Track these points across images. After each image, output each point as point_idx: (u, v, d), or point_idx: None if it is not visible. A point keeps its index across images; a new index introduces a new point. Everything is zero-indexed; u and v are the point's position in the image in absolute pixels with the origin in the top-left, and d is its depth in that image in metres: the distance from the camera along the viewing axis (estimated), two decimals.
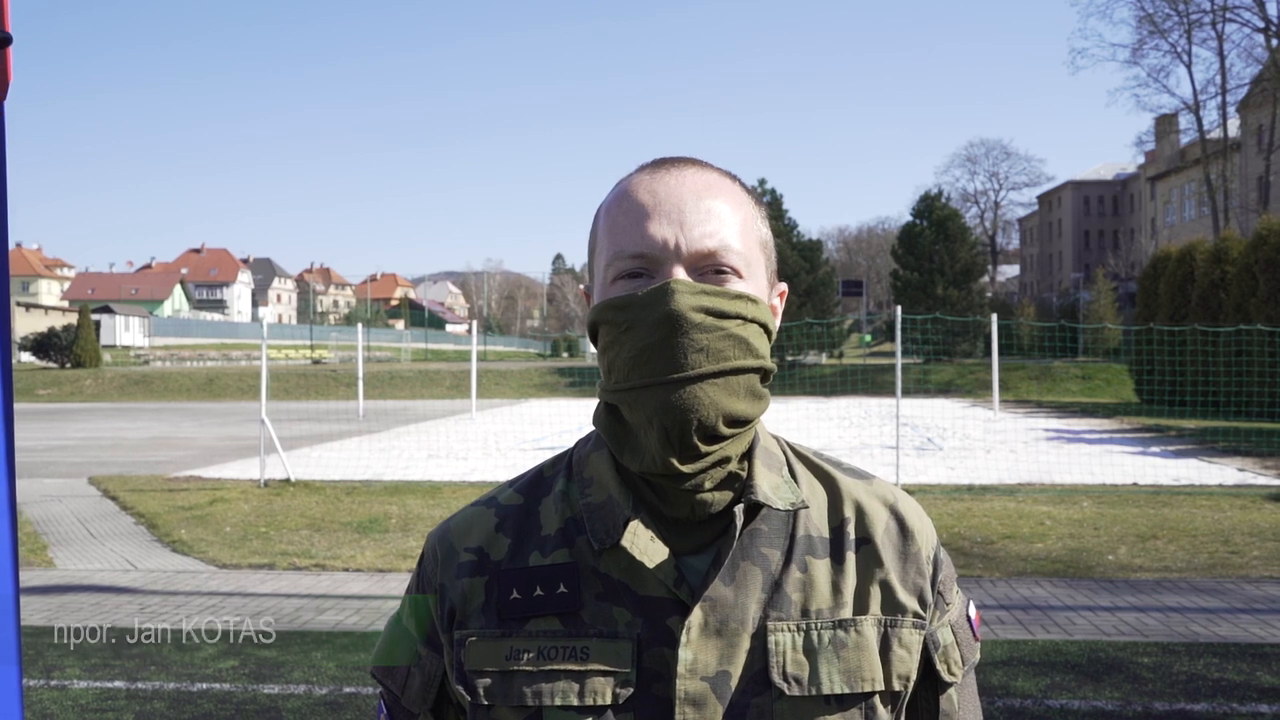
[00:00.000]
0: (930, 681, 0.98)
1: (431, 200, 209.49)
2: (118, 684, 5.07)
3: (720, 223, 0.92)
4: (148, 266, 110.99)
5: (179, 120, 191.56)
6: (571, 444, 1.03)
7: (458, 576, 0.95)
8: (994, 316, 21.53)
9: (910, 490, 11.23)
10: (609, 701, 0.88)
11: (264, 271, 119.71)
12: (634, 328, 0.88)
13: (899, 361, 12.45)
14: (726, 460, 0.91)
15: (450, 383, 35.43)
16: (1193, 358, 20.58)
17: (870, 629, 0.92)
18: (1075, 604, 6.47)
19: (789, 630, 0.90)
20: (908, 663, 0.94)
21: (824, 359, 40.85)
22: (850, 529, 0.96)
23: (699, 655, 0.88)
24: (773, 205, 43.54)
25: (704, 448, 0.89)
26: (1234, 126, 46.69)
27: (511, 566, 0.94)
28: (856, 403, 27.24)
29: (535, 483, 1.00)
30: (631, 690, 0.88)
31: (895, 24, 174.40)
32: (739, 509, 0.91)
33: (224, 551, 8.35)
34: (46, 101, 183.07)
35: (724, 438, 0.90)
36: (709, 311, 0.89)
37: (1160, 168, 61.55)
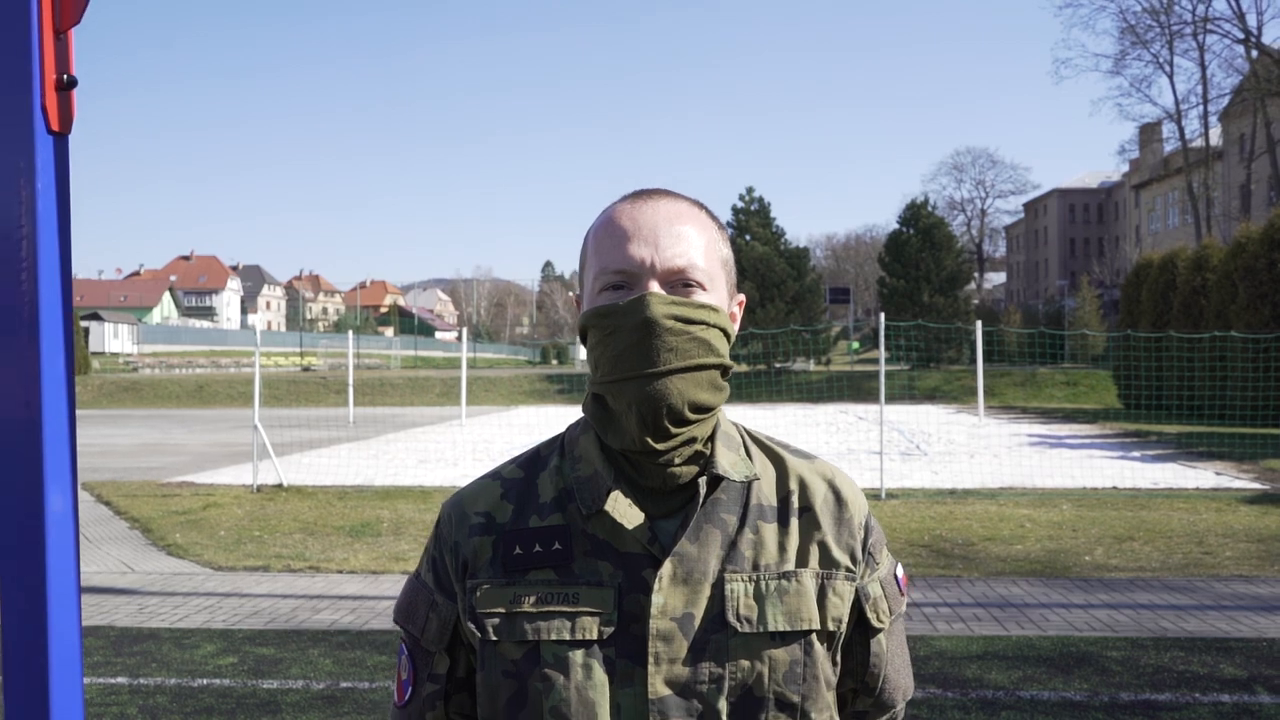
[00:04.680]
0: (863, 628, 1.17)
1: (421, 207, 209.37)
2: (120, 680, 5.22)
3: (688, 245, 1.11)
4: (136, 273, 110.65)
5: (168, 126, 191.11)
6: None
7: (469, 536, 1.14)
8: (979, 324, 21.80)
9: (894, 494, 11.45)
10: (595, 637, 1.06)
11: (253, 278, 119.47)
12: (617, 331, 1.07)
13: (882, 368, 12.66)
14: (693, 440, 1.10)
15: (440, 390, 35.54)
16: (1174, 364, 20.90)
17: (809, 580, 1.11)
18: (1050, 602, 6.68)
19: (742, 580, 1.09)
20: (840, 608, 1.12)
21: (811, 366, 41.08)
22: (794, 499, 1.15)
23: (668, 600, 1.07)
24: (760, 213, 43.83)
25: (674, 430, 1.08)
26: (1216, 135, 47.22)
27: (515, 528, 1.12)
28: (844, 409, 27.48)
29: (533, 460, 1.19)
30: (613, 628, 1.07)
31: (882, 33, 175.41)
32: (703, 481, 1.10)
33: (219, 554, 8.49)
34: None
35: (690, 422, 1.09)
36: (678, 319, 1.07)
37: (1144, 176, 62.14)
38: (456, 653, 1.16)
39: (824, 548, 1.13)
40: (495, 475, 1.19)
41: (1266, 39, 38.35)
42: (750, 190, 44.40)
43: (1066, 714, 4.61)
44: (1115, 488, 11.93)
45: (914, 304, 42.50)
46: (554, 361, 68.24)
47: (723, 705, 1.06)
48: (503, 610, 1.09)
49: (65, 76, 1.42)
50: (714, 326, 1.10)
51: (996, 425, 22.44)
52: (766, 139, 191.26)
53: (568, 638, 1.06)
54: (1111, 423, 22.01)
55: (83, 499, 11.89)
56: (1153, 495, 11.31)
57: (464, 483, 9.11)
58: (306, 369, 48.17)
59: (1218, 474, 13.22)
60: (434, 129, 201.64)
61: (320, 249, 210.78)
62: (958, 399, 31.61)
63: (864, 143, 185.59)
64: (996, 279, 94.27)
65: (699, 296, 1.10)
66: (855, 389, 31.02)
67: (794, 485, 1.16)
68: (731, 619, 1.07)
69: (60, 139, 1.44)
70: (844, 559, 1.14)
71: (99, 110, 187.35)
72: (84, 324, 46.04)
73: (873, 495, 11.21)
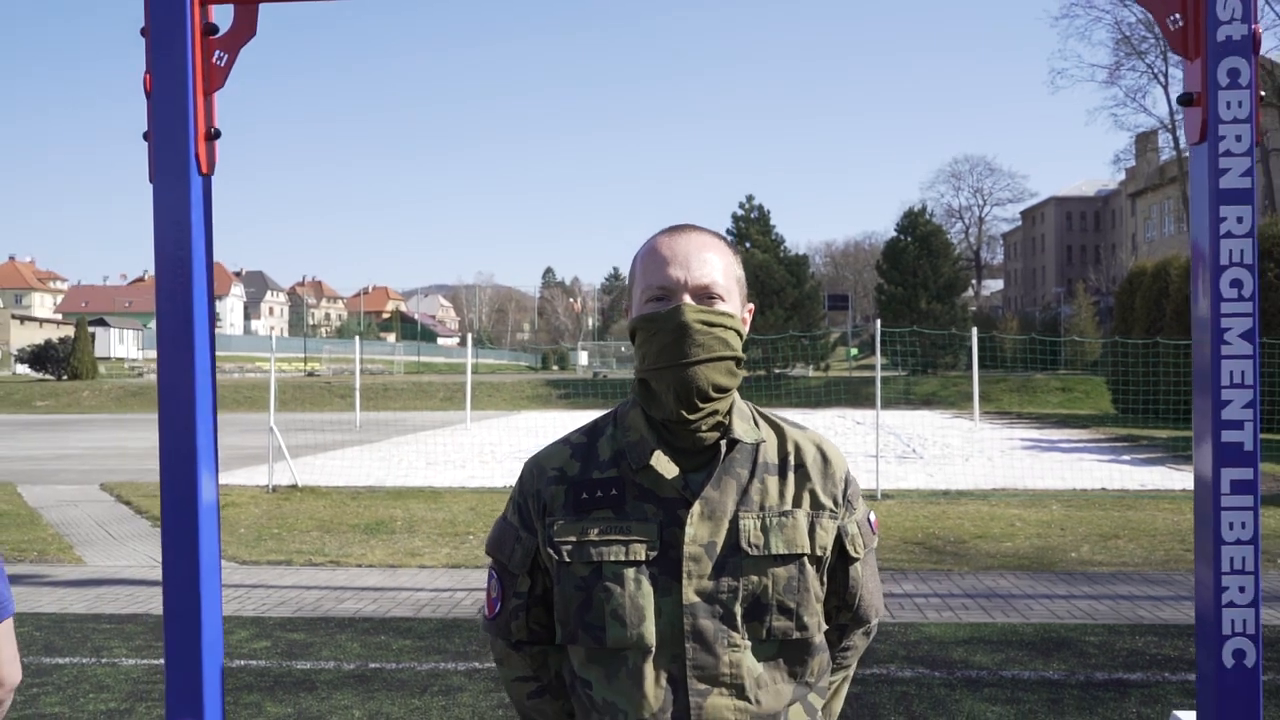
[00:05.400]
0: (843, 558, 1.54)
1: (423, 213, 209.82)
2: (162, 661, 5.58)
3: (712, 267, 1.48)
4: (140, 279, 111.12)
5: None
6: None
7: (547, 485, 1.51)
8: (974, 330, 22.18)
9: (889, 495, 11.82)
10: (643, 558, 1.43)
11: (256, 284, 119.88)
12: (659, 332, 1.45)
13: (878, 374, 13.04)
14: (715, 413, 1.47)
15: (444, 394, 35.89)
16: (1167, 370, 21.28)
17: (802, 517, 1.48)
18: (1035, 593, 7.05)
19: (752, 518, 1.46)
20: (825, 539, 1.49)
21: (810, 371, 41.45)
22: (791, 458, 1.52)
23: (697, 531, 1.44)
24: (760, 221, 44.26)
25: (701, 405, 1.45)
26: None
27: (581, 479, 1.49)
28: (842, 414, 27.84)
29: (593, 429, 1.56)
30: (656, 552, 1.44)
31: (881, 41, 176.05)
32: (723, 443, 1.47)
33: (242, 550, 8.84)
34: (37, 112, 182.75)
35: (713, 399, 1.46)
36: (704, 323, 1.44)
37: (1140, 184, 62.54)
38: (535, 576, 1.53)
39: (813, 494, 1.51)
40: (565, 441, 1.56)
41: (1261, 50, 38.73)
42: (750, 198, 44.85)
43: (1044, 691, 4.98)
44: (1104, 489, 12.29)
45: (911, 311, 42.90)
46: (555, 367, 68.51)
47: (738, 609, 1.43)
48: (574, 539, 1.46)
49: (212, 129, 1.81)
50: (730, 329, 1.47)
51: (991, 430, 22.82)
52: (767, 146, 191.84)
53: (623, 559, 1.43)
54: (1104, 427, 22.37)
55: (103, 499, 12.24)
56: (1140, 496, 11.67)
57: (473, 484, 9.74)
58: (311, 374, 48.48)
59: None
60: (435, 134, 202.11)
61: (323, 255, 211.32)
62: (954, 404, 31.98)
63: (863, 150, 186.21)
64: (994, 286, 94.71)
65: (719, 306, 1.48)
66: (853, 394, 31.37)
67: (791, 448, 1.53)
68: (744, 545, 1.44)
69: (207, 179, 1.83)
70: (828, 503, 1.51)
71: (99, 115, 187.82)
72: (90, 329, 46.32)
73: (869, 496, 11.57)
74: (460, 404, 27.59)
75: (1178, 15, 1.67)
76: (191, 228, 1.77)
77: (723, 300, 1.48)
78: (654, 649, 1.42)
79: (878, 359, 13.21)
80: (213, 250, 1.82)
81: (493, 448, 19.05)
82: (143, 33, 1.76)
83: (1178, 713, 1.80)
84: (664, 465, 1.46)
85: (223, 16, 1.80)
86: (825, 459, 1.55)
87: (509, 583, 1.54)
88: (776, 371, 37.34)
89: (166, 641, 1.80)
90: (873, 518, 1.61)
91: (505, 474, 14.23)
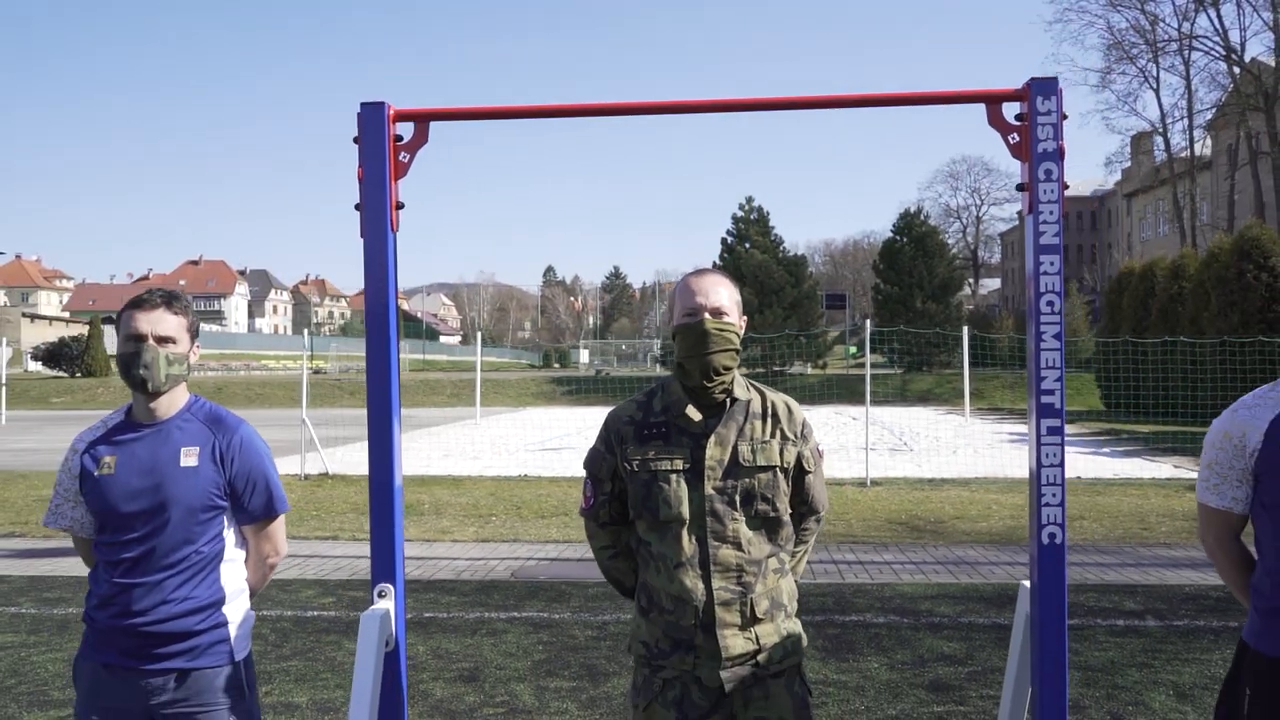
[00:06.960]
0: (801, 471, 2.51)
1: (424, 212, 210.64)
2: None
3: (721, 296, 2.44)
4: (145, 278, 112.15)
5: (176, 130, 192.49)
6: (602, 421, 2.55)
7: (622, 425, 2.48)
8: (965, 329, 23.09)
9: (878, 482, 12.79)
10: (681, 468, 2.39)
11: (260, 283, 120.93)
12: (691, 334, 2.40)
13: (868, 371, 14.02)
14: (724, 382, 2.44)
15: (450, 391, 36.87)
16: (1152, 367, 22.26)
17: (775, 444, 2.45)
18: (998, 561, 8.02)
19: (746, 444, 2.42)
20: (789, 458, 2.45)
21: (809, 369, 42.43)
22: (769, 409, 2.49)
23: (713, 453, 2.40)
24: (759, 222, 45.29)
25: (715, 378, 2.41)
26: (1206, 146, 48.63)
27: (643, 421, 2.46)
28: (838, 410, 28.82)
29: (650, 393, 2.53)
30: (689, 465, 2.40)
31: (881, 43, 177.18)
32: (728, 400, 2.44)
33: (289, 528, 9.75)
34: (42, 111, 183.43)
35: (722, 374, 2.42)
36: (717, 330, 2.41)
37: (1135, 185, 63.50)
38: (614, 482, 2.50)
39: (782, 431, 2.48)
40: (633, 400, 2.53)
41: (1248, 55, 39.72)
42: (750, 200, 45.88)
43: (993, 633, 5.95)
44: (1079, 477, 13.23)
45: (908, 310, 43.91)
46: (556, 365, 69.45)
47: (737, 498, 2.40)
48: (639, 458, 2.43)
49: (398, 203, 2.79)
50: (733, 332, 2.44)
51: (982, 424, 23.78)
52: (767, 145, 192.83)
53: (668, 469, 2.41)
54: (1090, 422, 23.33)
55: None
56: (1111, 484, 12.63)
57: (489, 474, 11.36)
58: (317, 372, 49.43)
59: (1175, 466, 14.55)
60: (436, 134, 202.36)
61: (326, 253, 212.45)
62: (948, 400, 32.95)
63: (863, 150, 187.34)
64: (992, 285, 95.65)
65: (725, 319, 2.44)
66: (849, 391, 32.29)
67: (769, 404, 2.51)
68: (741, 460, 2.41)
69: (394, 236, 2.80)
70: (791, 436, 2.49)
71: (104, 112, 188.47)
72: (102, 327, 47.26)
73: (859, 484, 12.56)
74: (466, 400, 28.58)
75: (1015, 134, 2.63)
76: (388, 267, 2.74)
77: (728, 316, 2.45)
78: (688, 521, 2.39)
79: (867, 357, 14.20)
80: (397, 283, 2.79)
81: (504, 440, 20.02)
82: (355, 140, 2.73)
83: (1023, 581, 2.77)
84: (693, 413, 2.43)
85: (405, 129, 2.77)
86: (790, 410, 2.52)
87: (598, 486, 2.52)
88: (775, 369, 38.33)
89: (373, 533, 2.77)
90: (821, 447, 2.59)
91: (520, 464, 15.20)
